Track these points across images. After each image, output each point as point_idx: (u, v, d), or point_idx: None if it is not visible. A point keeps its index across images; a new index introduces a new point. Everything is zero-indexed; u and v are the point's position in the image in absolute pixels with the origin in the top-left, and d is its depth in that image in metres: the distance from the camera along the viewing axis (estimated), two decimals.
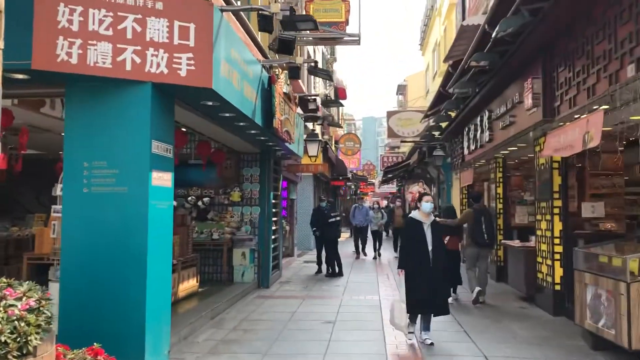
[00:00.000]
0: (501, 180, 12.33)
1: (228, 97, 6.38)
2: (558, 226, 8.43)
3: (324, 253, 13.63)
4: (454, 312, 8.49)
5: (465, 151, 14.17)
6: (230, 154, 11.45)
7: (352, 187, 38.86)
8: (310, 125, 15.30)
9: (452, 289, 9.66)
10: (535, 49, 7.97)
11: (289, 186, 16.33)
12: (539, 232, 9.06)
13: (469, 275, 9.63)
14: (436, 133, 17.24)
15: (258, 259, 11.42)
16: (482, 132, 12.07)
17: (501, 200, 12.28)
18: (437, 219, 11.55)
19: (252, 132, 8.78)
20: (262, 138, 9.52)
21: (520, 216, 12.27)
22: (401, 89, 43.29)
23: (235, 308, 9.16)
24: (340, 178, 26.28)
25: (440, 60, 24.27)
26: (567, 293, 8.31)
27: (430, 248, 6.76)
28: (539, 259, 9.02)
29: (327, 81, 24.90)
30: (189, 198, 11.48)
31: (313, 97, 11.57)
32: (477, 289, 9.27)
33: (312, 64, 10.12)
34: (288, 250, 17.12)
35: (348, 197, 39.72)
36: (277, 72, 8.68)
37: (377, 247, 17.73)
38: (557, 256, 8.40)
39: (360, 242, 17.90)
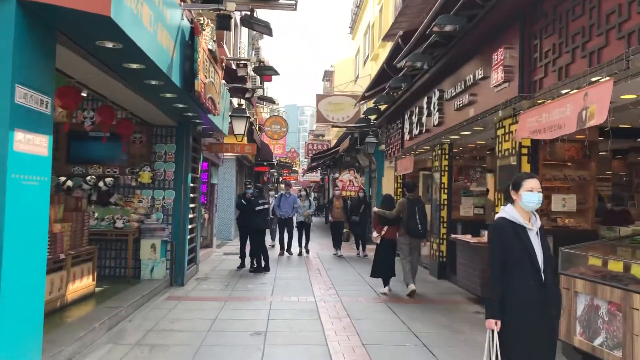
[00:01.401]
0: (447, 168, 11.24)
1: (135, 38, 4.67)
2: None
3: (248, 245, 12.07)
4: (398, 312, 7.25)
5: (406, 137, 13.03)
6: (140, 126, 9.59)
7: (275, 174, 37.28)
8: (235, 101, 13.59)
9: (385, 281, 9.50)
10: (513, 11, 6.79)
11: (209, 169, 14.54)
12: None
13: (405, 266, 9.29)
14: (372, 117, 16.03)
15: (171, 252, 9.67)
16: (429, 115, 10.94)
17: (446, 191, 11.19)
18: (375, 209, 10.58)
19: (168, 95, 7.04)
20: (180, 105, 7.80)
21: (466, 208, 11.30)
22: (328, 75, 42.08)
23: (141, 313, 7.43)
24: (265, 164, 24.60)
25: (373, 43, 23.19)
26: None
27: (544, 277, 3.56)
28: None
29: (253, 51, 23.15)
30: (88, 178, 9.51)
31: (243, 62, 9.88)
32: (412, 286, 9.03)
33: (248, 12, 8.43)
34: (206, 241, 15.35)
35: (269, 185, 38.10)
36: (201, 22, 6.98)
37: (305, 242, 15.22)
38: None
39: (285, 236, 15.03)
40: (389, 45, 19.56)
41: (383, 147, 18.11)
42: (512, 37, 7.09)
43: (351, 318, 7.33)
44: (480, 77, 8.07)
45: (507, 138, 7.77)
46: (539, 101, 6.60)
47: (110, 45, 4.82)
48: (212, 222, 15.84)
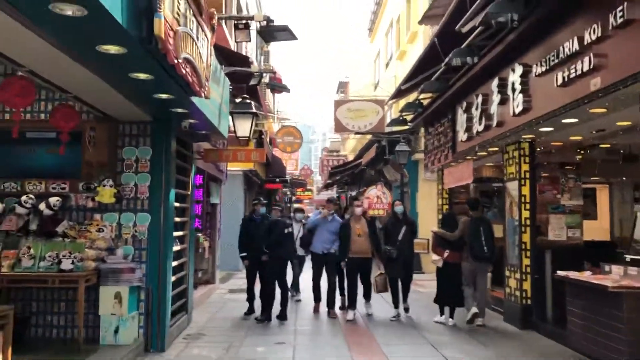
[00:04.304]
0: (527, 175, 8.19)
1: None
2: None
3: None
4: None
5: (461, 137, 9.97)
6: (99, 123, 6.67)
7: (288, 193, 34.25)
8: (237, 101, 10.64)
9: (450, 311, 8.31)
10: None
11: (208, 185, 11.57)
12: None
13: (466, 292, 8.35)
14: (408, 117, 13.05)
15: (146, 302, 6.67)
16: (502, 102, 7.91)
17: (527, 206, 8.11)
18: (434, 229, 8.56)
19: (112, 50, 4.05)
20: (143, 77, 4.79)
21: (556, 230, 8.22)
22: (342, 87, 39.38)
23: None
24: (277, 180, 21.59)
25: (399, 40, 20.44)
26: None
27: None
28: None
29: (262, 56, 20.52)
30: (24, 198, 6.54)
31: (243, 22, 6.88)
32: (474, 309, 8.02)
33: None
34: (207, 276, 12.33)
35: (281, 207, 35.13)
36: None
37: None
38: None
39: (327, 283, 9.09)
40: (422, 37, 16.70)
41: (419, 155, 15.12)
42: None
43: None
44: (618, 22, 5.07)
45: None
46: None
47: None
48: (215, 251, 12.84)
